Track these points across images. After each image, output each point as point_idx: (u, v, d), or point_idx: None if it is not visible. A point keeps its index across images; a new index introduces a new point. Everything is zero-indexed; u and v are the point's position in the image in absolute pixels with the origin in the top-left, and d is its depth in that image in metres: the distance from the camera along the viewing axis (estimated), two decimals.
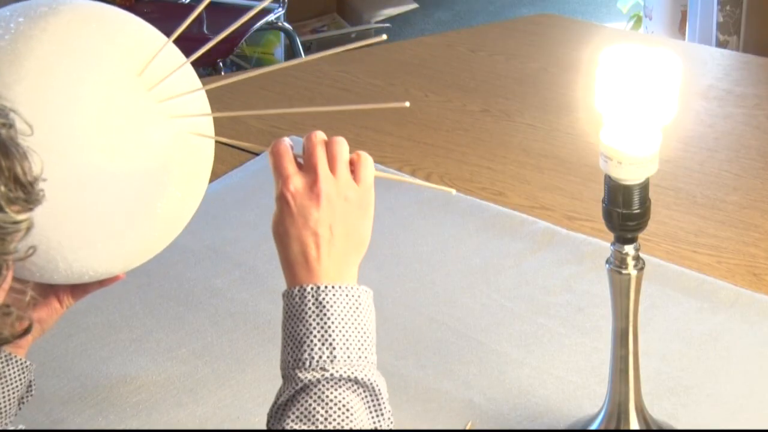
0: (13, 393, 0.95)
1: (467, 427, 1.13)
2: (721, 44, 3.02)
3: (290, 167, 0.88)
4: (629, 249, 0.98)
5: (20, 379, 0.95)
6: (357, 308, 0.86)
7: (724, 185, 1.58)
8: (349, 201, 0.88)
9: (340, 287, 0.86)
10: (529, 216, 1.51)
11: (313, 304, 0.85)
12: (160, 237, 0.94)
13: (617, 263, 0.99)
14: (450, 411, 1.16)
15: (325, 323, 0.84)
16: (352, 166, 0.90)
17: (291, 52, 3.52)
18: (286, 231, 0.87)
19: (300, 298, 0.86)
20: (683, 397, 1.15)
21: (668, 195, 1.54)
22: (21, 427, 0.83)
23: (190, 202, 0.95)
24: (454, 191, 0.94)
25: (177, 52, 0.95)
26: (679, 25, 3.36)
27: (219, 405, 1.18)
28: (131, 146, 0.87)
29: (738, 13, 2.99)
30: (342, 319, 0.85)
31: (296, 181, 0.87)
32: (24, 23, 0.87)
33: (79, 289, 0.99)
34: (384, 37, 0.86)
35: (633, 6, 3.81)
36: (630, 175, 0.93)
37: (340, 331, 0.85)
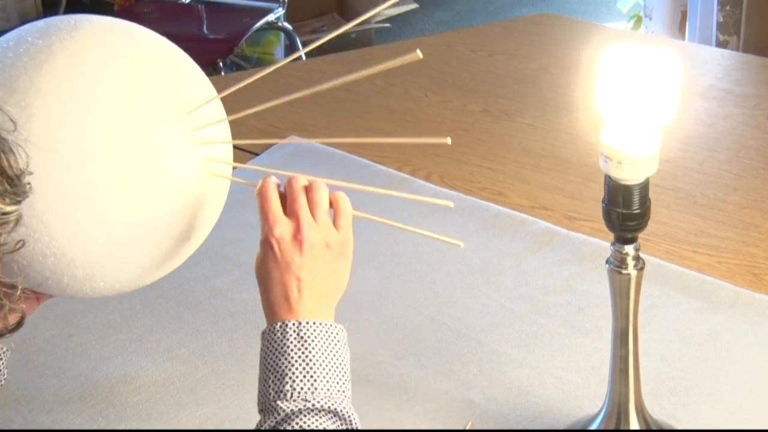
0: None
1: (467, 427, 1.13)
2: (721, 44, 3.01)
3: (276, 211, 0.92)
4: (629, 249, 0.98)
5: None
6: (336, 344, 0.90)
7: (724, 185, 1.58)
8: (330, 246, 0.92)
9: (320, 323, 0.90)
10: (529, 216, 1.51)
11: (295, 338, 0.88)
12: (167, 262, 0.96)
13: (617, 263, 0.99)
14: (450, 411, 1.16)
15: (307, 356, 0.88)
16: (331, 206, 0.94)
17: (291, 53, 3.52)
18: (269, 274, 0.91)
19: (282, 333, 0.89)
20: (683, 397, 1.15)
21: (668, 195, 1.54)
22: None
23: (203, 229, 0.97)
24: (461, 244, 0.96)
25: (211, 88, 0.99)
26: (679, 25, 3.36)
27: (219, 405, 1.18)
28: (154, 174, 0.90)
29: (738, 13, 2.98)
30: (322, 353, 0.88)
31: (281, 227, 0.91)
32: (56, 38, 0.88)
33: None
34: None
35: (633, 6, 3.81)
36: (630, 175, 0.93)
37: (320, 364, 0.88)
